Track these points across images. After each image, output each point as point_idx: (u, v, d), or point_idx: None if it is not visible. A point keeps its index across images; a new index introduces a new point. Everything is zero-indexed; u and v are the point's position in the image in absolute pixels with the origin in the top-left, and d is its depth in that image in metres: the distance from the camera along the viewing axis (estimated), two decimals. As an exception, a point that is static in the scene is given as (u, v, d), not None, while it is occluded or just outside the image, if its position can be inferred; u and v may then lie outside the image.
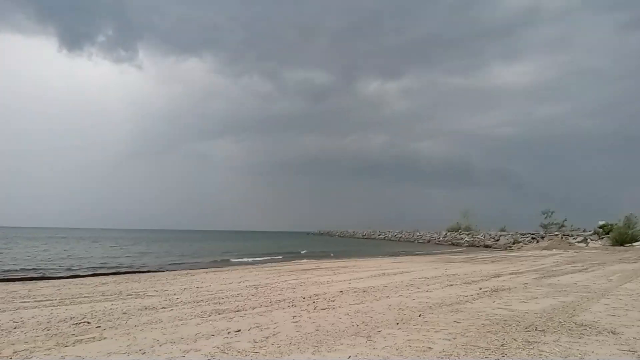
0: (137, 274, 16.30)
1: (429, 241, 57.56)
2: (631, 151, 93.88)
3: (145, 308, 7.45)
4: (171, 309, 7.29)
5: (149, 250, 35.09)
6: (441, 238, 56.71)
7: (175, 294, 9.28)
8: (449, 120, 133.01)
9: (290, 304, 7.52)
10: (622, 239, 33.35)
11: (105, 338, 5.26)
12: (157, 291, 9.91)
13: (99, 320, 6.43)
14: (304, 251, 34.68)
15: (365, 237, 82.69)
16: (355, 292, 9.04)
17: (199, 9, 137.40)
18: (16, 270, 18.06)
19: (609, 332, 5.11)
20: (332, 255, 29.68)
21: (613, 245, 33.33)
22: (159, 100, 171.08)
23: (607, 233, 36.63)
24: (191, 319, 6.40)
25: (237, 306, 7.43)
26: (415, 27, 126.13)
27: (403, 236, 68.37)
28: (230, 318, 6.39)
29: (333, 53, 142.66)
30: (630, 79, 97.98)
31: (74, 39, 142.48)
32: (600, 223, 39.52)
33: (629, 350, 4.38)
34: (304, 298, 8.21)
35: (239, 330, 5.50)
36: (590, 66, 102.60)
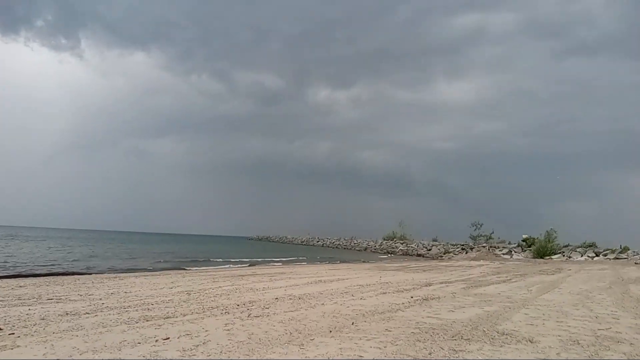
0: (60, 277, 15.31)
1: (365, 249, 58.68)
2: (556, 170, 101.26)
3: (67, 313, 7.00)
4: (95, 315, 6.90)
5: (90, 252, 32.81)
6: (377, 246, 58.01)
7: (101, 299, 8.80)
8: (393, 132, 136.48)
9: (224, 311, 7.36)
10: (543, 252, 35.65)
11: (18, 346, 4.88)
12: (81, 295, 9.36)
13: (13, 326, 5.97)
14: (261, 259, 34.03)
15: (304, 243, 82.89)
16: (290, 299, 9.01)
17: (150, 1, 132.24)
18: None
19: (527, 341, 5.42)
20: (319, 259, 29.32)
21: (534, 257, 35.53)
22: (100, 93, 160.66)
23: (530, 246, 39.09)
24: (116, 325, 6.09)
25: (167, 313, 7.16)
26: (367, 39, 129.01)
27: (341, 243, 69.30)
28: (159, 325, 6.14)
29: (285, 58, 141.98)
30: (561, 102, 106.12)
31: (9, 22, 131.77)
32: (524, 236, 42.10)
33: (544, 358, 4.67)
34: (238, 305, 8.07)
35: (168, 338, 5.30)
36: (526, 88, 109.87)
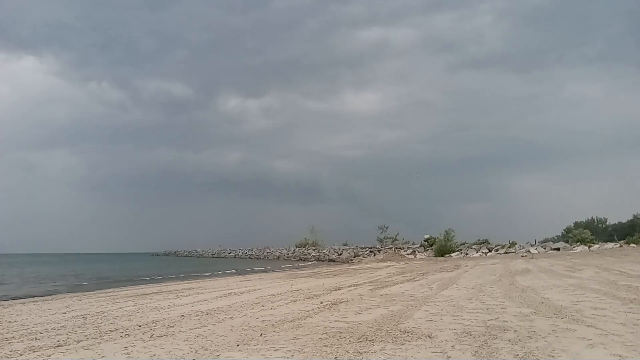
0: None
1: (278, 257, 58.64)
2: (453, 174, 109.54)
3: None
4: (-31, 352, 6.12)
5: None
6: (290, 254, 58.28)
7: (-22, 332, 7.82)
8: (304, 141, 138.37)
9: (124, 334, 6.91)
10: (443, 251, 38.04)
11: None
12: (-47, 330, 8.24)
13: None
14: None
15: (215, 256, 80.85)
16: (198, 315, 8.69)
17: (42, 3, 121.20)
18: None
19: (426, 337, 5.74)
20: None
21: (436, 256, 37.80)
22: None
23: (431, 245, 41.57)
24: (-5, 361, 5.46)
25: (59, 341, 6.54)
26: (276, 50, 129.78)
27: (254, 253, 68.62)
28: (47, 356, 5.60)
29: (194, 66, 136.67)
30: (455, 112, 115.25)
31: None
32: (426, 237, 44.67)
33: (440, 352, 4.97)
34: (140, 326, 7.62)
35: (57, 370, 4.85)
36: (424, 99, 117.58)
